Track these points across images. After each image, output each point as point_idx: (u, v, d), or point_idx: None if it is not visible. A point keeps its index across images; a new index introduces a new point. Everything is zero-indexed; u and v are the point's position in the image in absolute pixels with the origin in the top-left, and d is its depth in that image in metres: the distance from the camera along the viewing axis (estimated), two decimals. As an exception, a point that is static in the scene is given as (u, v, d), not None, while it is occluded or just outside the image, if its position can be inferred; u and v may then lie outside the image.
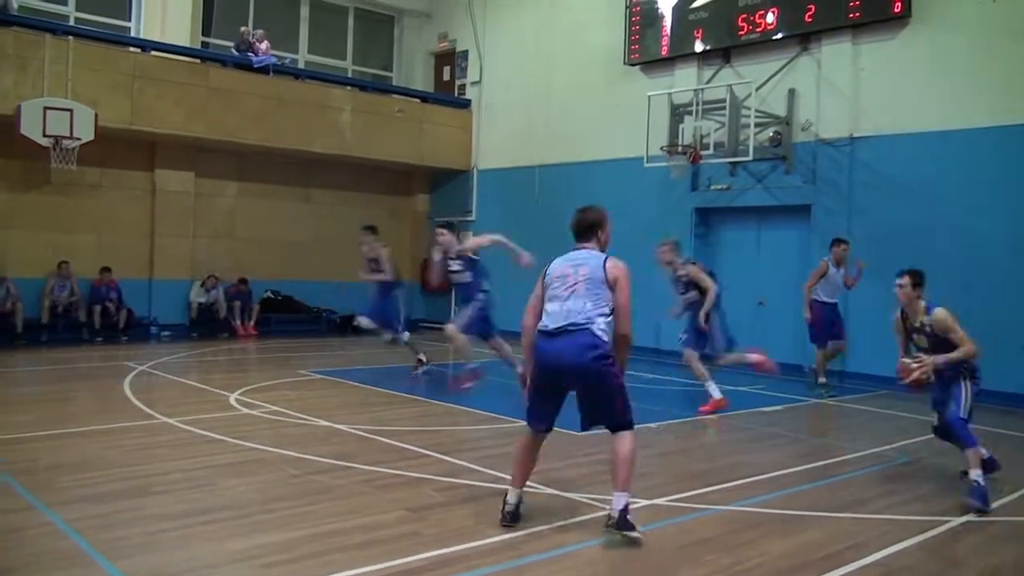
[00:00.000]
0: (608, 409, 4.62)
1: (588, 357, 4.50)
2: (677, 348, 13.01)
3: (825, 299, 10.17)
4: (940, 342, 5.77)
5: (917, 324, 5.92)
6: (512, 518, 4.70)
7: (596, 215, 4.93)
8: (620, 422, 4.61)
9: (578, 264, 4.70)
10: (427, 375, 10.72)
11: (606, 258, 4.71)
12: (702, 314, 8.81)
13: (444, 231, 9.63)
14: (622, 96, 14.17)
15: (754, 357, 9.09)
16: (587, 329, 4.52)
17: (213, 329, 14.72)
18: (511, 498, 4.75)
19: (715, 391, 8.85)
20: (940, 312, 5.78)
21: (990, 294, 9.99)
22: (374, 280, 10.74)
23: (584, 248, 4.83)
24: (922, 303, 5.89)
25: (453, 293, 11.32)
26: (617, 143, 14.10)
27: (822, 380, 10.32)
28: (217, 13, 16.12)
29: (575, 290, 4.60)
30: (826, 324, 10.19)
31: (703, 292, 8.90)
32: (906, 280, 5.90)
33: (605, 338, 4.55)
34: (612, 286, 4.62)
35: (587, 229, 4.88)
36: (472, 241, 9.90)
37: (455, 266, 9.50)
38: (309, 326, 16.10)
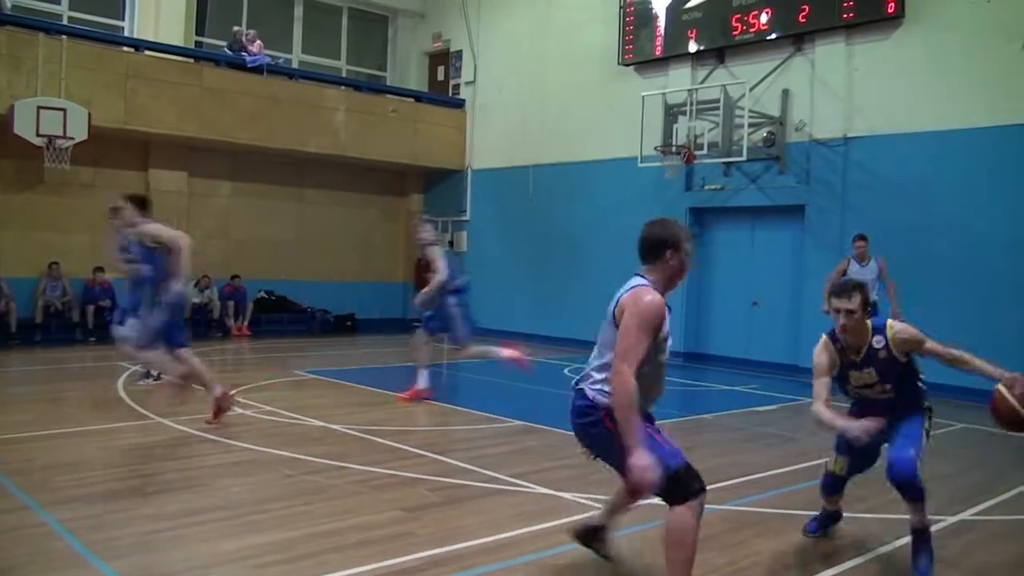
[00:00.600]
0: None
1: (579, 423, 3.71)
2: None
3: None
4: (895, 372, 4.25)
5: (859, 358, 4.27)
6: (577, 534, 4.26)
7: (663, 232, 3.66)
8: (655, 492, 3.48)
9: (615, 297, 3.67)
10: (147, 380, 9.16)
11: (634, 287, 3.56)
12: (422, 296, 8.70)
13: (120, 206, 7.34)
14: (616, 96, 14.17)
15: (506, 352, 8.61)
16: (580, 389, 3.69)
17: (207, 329, 14.70)
18: (591, 520, 4.30)
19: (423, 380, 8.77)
20: (899, 324, 4.27)
21: (987, 294, 10.03)
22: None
23: (640, 274, 3.66)
24: (868, 324, 4.24)
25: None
26: (611, 143, 14.10)
27: None
28: (210, 13, 16.08)
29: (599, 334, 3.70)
30: None
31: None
32: (856, 303, 4.13)
33: (601, 398, 3.56)
34: (619, 323, 3.52)
35: (650, 250, 3.66)
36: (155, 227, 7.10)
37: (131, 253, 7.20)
38: (303, 326, 16.09)
